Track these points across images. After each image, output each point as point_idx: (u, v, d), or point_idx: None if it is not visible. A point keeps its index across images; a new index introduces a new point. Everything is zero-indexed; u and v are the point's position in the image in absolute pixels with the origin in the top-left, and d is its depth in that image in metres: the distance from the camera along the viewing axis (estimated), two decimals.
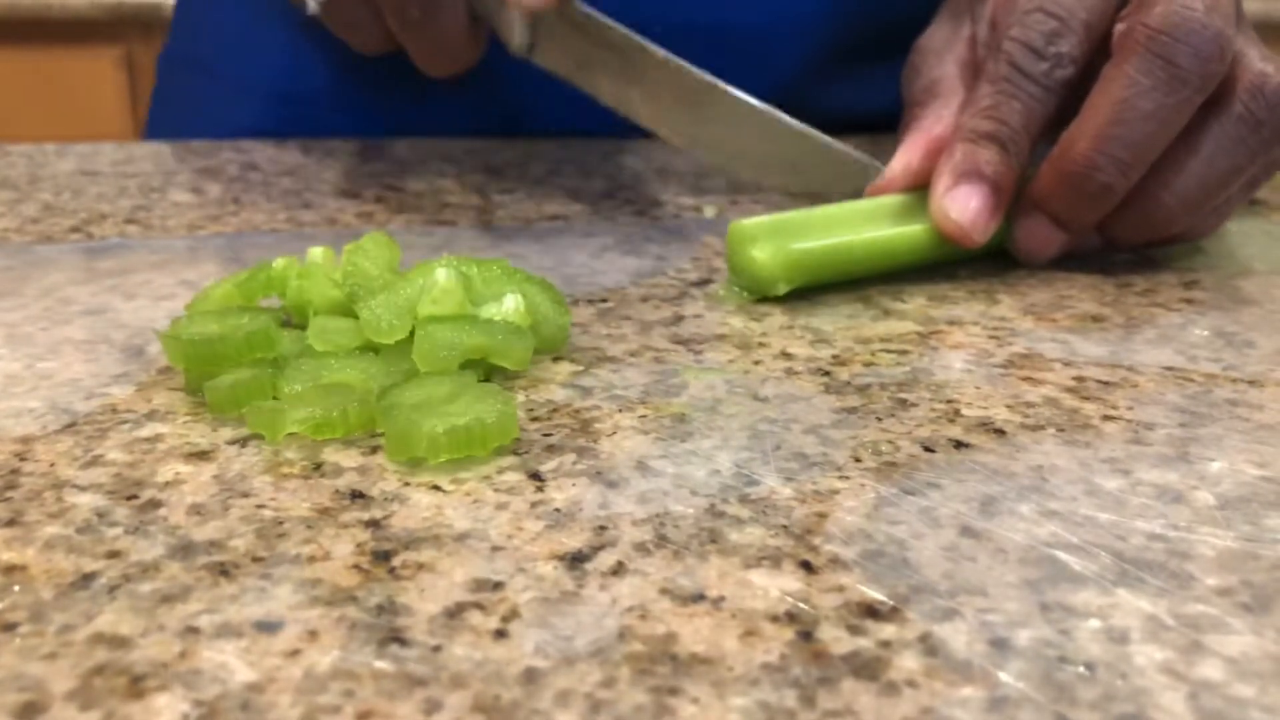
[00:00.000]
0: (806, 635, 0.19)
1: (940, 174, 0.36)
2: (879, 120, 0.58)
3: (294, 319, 0.31)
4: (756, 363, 0.30)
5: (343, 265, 0.30)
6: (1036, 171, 0.37)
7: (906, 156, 0.38)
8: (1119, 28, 0.36)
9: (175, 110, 0.64)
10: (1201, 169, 0.36)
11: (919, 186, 0.38)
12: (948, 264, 0.37)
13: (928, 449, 0.25)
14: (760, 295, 0.35)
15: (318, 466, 0.24)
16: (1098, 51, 0.36)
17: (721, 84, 0.35)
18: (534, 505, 0.22)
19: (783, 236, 0.34)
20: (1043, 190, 0.36)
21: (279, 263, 0.31)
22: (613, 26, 0.37)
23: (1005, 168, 0.36)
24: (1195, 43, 0.34)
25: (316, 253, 0.32)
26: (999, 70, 0.36)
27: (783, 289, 0.34)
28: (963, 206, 0.36)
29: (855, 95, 0.59)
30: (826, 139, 0.33)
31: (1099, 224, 0.37)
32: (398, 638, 0.18)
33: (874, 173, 0.33)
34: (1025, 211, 0.37)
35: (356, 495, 0.23)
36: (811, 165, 0.33)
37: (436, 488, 0.23)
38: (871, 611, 0.19)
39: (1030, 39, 0.36)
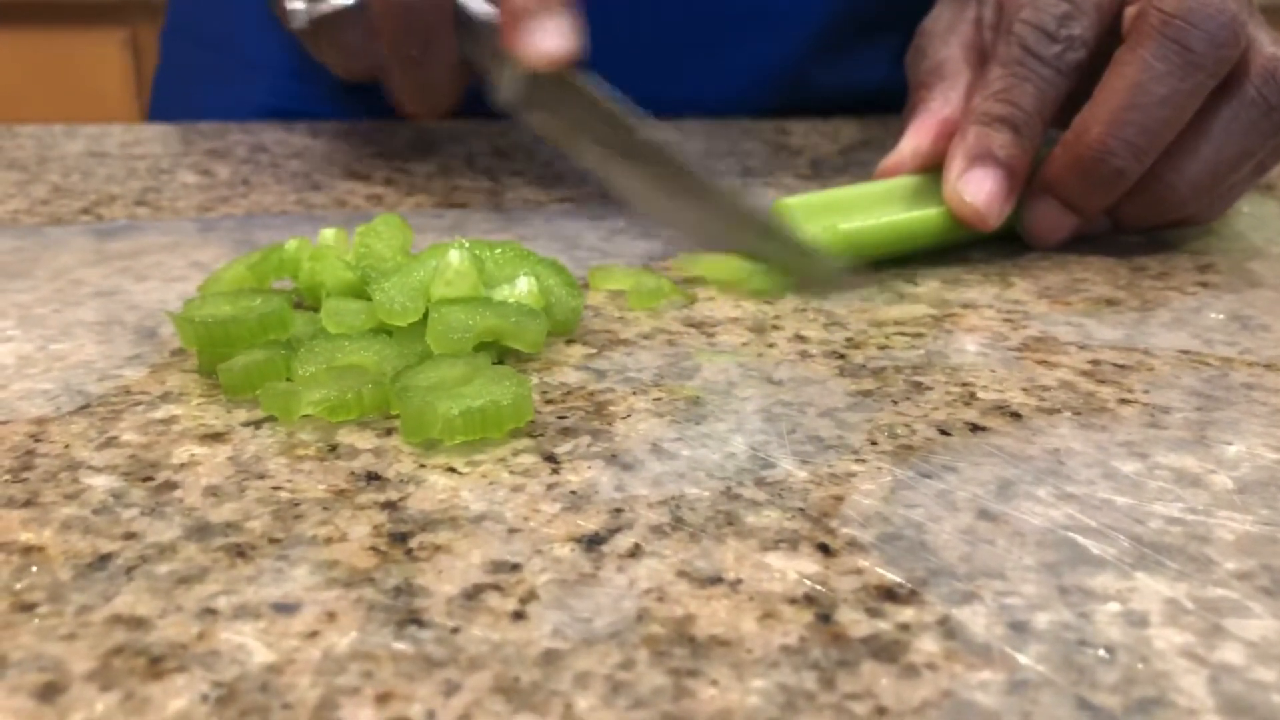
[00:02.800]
0: (825, 618, 0.19)
1: (953, 157, 0.36)
2: (876, 97, 0.58)
3: (306, 301, 0.31)
4: (770, 346, 0.30)
5: (355, 247, 0.30)
6: (1048, 155, 0.37)
7: (916, 139, 0.38)
8: (1131, 10, 0.35)
9: (181, 88, 0.63)
10: (1212, 153, 0.35)
11: (929, 169, 0.37)
12: (960, 247, 0.37)
13: (944, 432, 0.25)
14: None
15: (333, 448, 0.24)
16: (1108, 34, 0.36)
17: (702, 174, 0.36)
18: (550, 487, 0.22)
19: (828, 216, 0.34)
20: (1055, 174, 0.36)
21: (291, 244, 0.31)
22: (608, 99, 0.38)
23: (1018, 151, 0.35)
24: (1210, 28, 0.33)
25: (329, 234, 0.32)
26: (1010, 53, 0.36)
27: None
28: (976, 190, 0.35)
29: (854, 73, 0.58)
30: (797, 237, 0.34)
31: (1108, 207, 0.37)
32: (416, 619, 0.18)
33: (839, 276, 0.34)
34: (1036, 195, 0.37)
35: (372, 477, 0.23)
36: (780, 261, 0.34)
37: (452, 470, 0.23)
38: (890, 594, 0.19)
39: (1042, 21, 0.36)
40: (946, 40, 0.41)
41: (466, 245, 0.30)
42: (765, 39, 0.56)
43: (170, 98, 0.64)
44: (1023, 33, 0.36)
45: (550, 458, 0.24)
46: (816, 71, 0.57)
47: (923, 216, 0.36)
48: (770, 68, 0.57)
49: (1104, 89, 0.35)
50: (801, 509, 0.22)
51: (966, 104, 0.38)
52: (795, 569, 0.20)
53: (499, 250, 0.30)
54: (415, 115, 0.44)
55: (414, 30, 0.40)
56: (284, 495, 0.22)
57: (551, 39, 0.37)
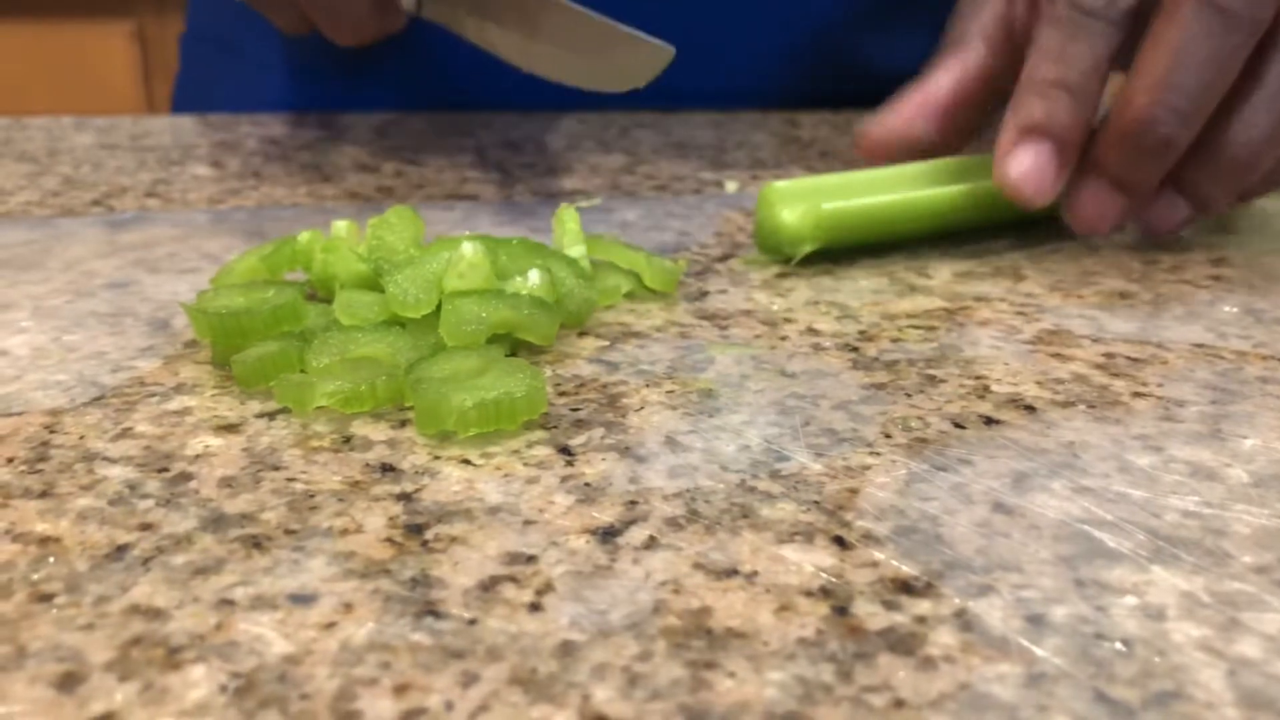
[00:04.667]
0: (841, 610, 0.18)
1: (1003, 130, 0.35)
2: (890, 87, 0.58)
3: (319, 293, 0.31)
4: (783, 338, 0.30)
5: (367, 239, 0.30)
6: (1091, 136, 0.35)
7: (894, 116, 0.38)
8: None
9: (201, 91, 0.63)
10: (1267, 103, 0.34)
11: (910, 149, 0.38)
12: (972, 239, 0.37)
13: (958, 425, 0.25)
14: (784, 256, 0.35)
15: (347, 440, 0.24)
16: None
17: (612, 28, 0.36)
18: (564, 479, 0.22)
19: (813, 198, 0.34)
20: (1100, 152, 0.35)
21: (303, 236, 0.31)
22: None
23: (1072, 118, 0.34)
24: None
25: (341, 226, 0.32)
26: (1058, 11, 0.34)
27: (807, 249, 0.34)
28: (1026, 166, 0.34)
29: (890, 49, 0.58)
30: (619, 29, 0.35)
31: (1179, 184, 0.36)
32: (432, 610, 0.18)
33: (662, 55, 0.35)
34: (1081, 177, 0.35)
35: (387, 468, 0.23)
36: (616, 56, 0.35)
37: (466, 461, 0.23)
38: (906, 587, 0.19)
39: None
40: (976, 13, 0.40)
41: (478, 241, 0.30)
42: (793, 20, 0.56)
43: (191, 101, 0.64)
44: None
45: (564, 450, 0.24)
46: (847, 52, 0.57)
47: (938, 196, 0.36)
48: (799, 48, 0.56)
49: (1143, 58, 0.33)
50: (816, 502, 0.22)
51: (969, 75, 0.37)
52: (811, 562, 0.20)
53: (514, 244, 0.30)
54: (346, 42, 0.45)
55: None
56: (299, 487, 0.22)
57: None
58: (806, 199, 0.34)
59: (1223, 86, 0.33)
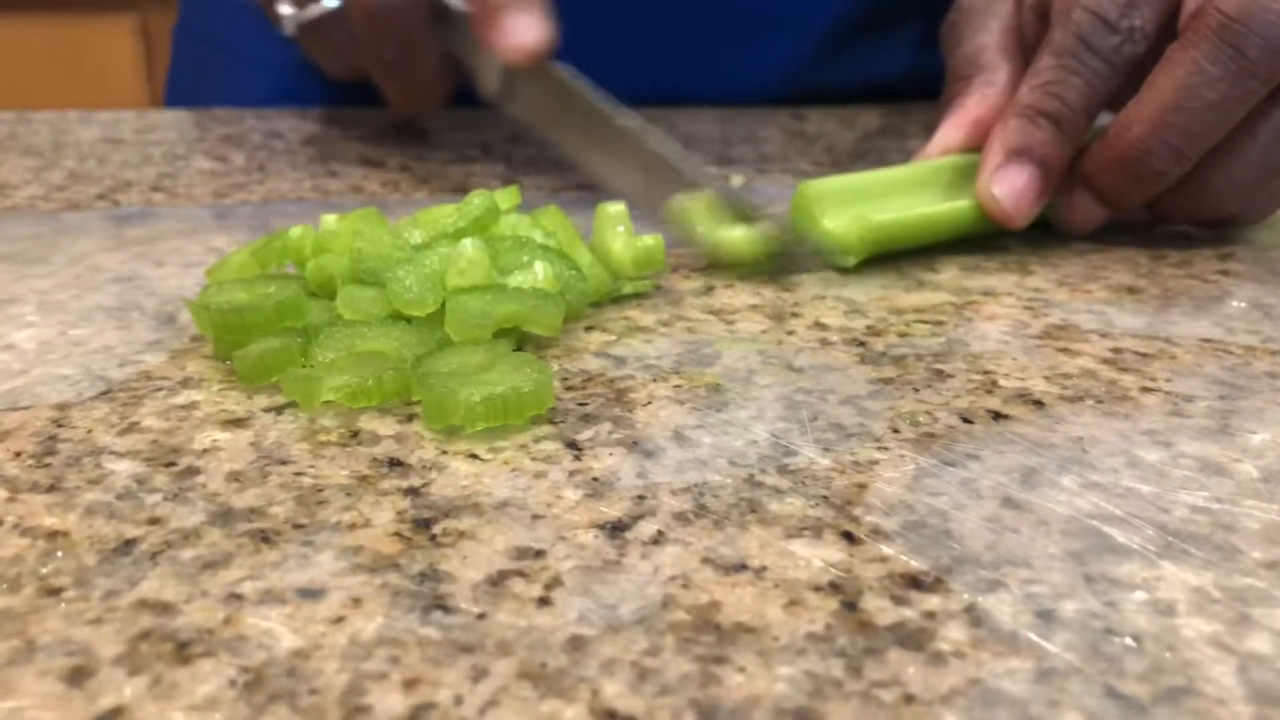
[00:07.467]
0: (850, 606, 0.18)
1: (991, 148, 0.35)
2: (897, 86, 0.58)
3: (310, 289, 0.31)
4: (790, 333, 0.30)
5: (350, 254, 0.29)
6: (1087, 146, 0.36)
7: (946, 137, 0.37)
8: (1191, 5, 0.34)
9: (192, 83, 0.64)
10: (1258, 156, 0.34)
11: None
12: (982, 235, 0.37)
13: (966, 420, 0.25)
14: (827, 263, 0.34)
15: (355, 434, 0.24)
16: (1167, 25, 0.35)
17: (679, 157, 0.36)
18: (572, 474, 0.22)
19: (855, 204, 0.34)
20: (1093, 168, 0.35)
21: (294, 231, 0.31)
22: (582, 89, 0.38)
23: (1057, 149, 0.35)
24: (1269, 34, 0.32)
25: (330, 220, 0.31)
26: (1065, 42, 0.35)
27: (853, 260, 0.34)
28: (1009, 188, 0.35)
29: (871, 65, 0.58)
30: (776, 219, 0.34)
31: (1147, 202, 0.37)
32: (441, 605, 0.18)
33: (815, 259, 0.34)
34: (1071, 185, 0.36)
35: (395, 463, 0.23)
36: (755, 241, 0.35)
37: (474, 456, 0.23)
38: (915, 582, 0.19)
39: (1103, 9, 0.34)
40: (985, 22, 0.39)
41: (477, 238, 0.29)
42: (776, 43, 0.56)
43: (183, 94, 0.64)
44: (1082, 21, 0.34)
45: (572, 444, 0.24)
46: (829, 70, 0.57)
47: (953, 209, 0.36)
48: (783, 70, 0.56)
49: (1152, 86, 0.34)
50: (825, 497, 0.22)
51: (1003, 100, 0.37)
52: (820, 557, 0.20)
53: (506, 240, 0.30)
54: (405, 113, 0.45)
55: (389, 34, 0.40)
56: (307, 481, 0.22)
57: (524, 33, 0.37)
58: (848, 204, 0.34)
59: (1223, 130, 0.33)
